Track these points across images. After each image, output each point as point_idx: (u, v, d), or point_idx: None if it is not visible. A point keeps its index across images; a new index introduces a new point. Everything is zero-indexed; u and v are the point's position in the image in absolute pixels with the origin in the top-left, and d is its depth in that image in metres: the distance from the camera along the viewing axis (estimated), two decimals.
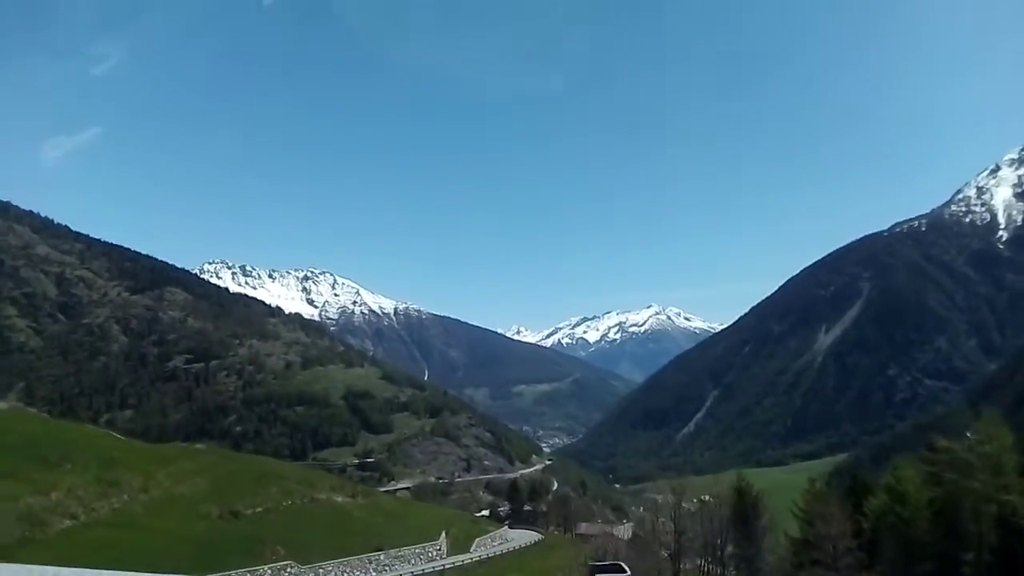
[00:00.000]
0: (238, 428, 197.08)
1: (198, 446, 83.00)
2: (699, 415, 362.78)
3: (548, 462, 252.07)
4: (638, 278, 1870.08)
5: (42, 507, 35.34)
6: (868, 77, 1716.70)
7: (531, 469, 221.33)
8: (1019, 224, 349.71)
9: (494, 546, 65.29)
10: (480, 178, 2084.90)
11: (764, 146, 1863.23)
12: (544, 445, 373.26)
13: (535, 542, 78.88)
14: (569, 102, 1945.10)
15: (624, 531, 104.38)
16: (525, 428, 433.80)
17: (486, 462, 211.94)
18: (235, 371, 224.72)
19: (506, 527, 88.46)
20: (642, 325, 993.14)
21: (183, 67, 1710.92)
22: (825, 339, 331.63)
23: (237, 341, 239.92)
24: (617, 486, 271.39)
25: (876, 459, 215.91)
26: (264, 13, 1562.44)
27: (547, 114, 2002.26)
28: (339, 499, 60.97)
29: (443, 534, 55.78)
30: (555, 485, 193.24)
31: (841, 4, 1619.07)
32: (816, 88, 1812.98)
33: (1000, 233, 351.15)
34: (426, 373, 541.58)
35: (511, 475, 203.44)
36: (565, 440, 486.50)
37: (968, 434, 35.79)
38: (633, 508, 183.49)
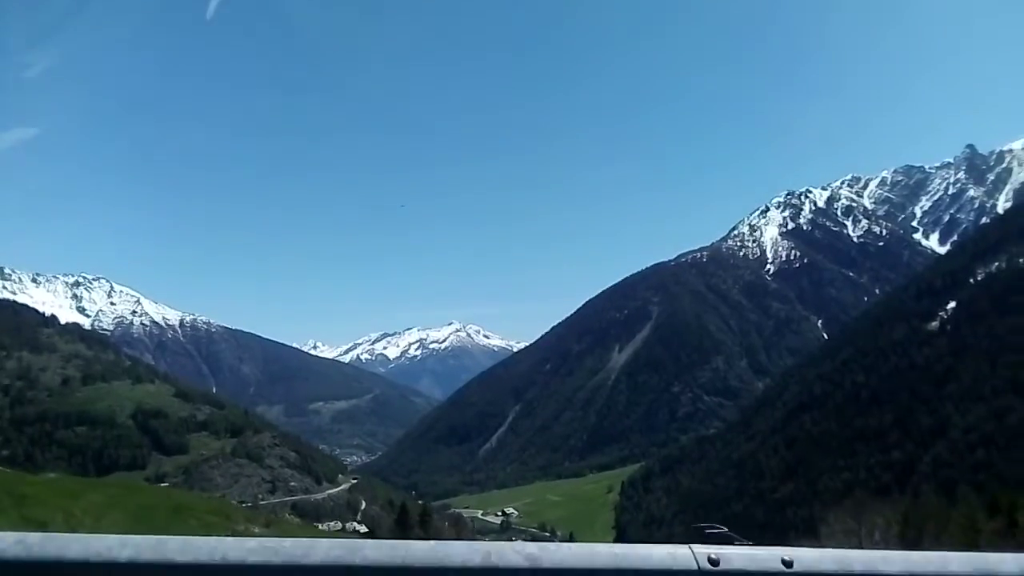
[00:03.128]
0: (5, 451, 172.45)
1: (51, 475, 73.15)
2: (501, 430, 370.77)
3: (355, 480, 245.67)
4: (439, 295, 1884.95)
5: None
6: (658, 120, 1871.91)
7: (338, 489, 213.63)
8: (783, 259, 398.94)
9: None
10: (274, 188, 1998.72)
11: (556, 169, 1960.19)
12: (344, 463, 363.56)
13: None
14: (357, 107, 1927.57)
15: None
16: (322, 446, 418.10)
17: (292, 483, 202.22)
18: (1, 387, 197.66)
19: None
20: (443, 342, 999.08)
21: None
22: (619, 358, 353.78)
23: (4, 353, 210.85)
24: (421, 502, 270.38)
25: (664, 469, 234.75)
26: None
27: (345, 121, 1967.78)
28: (256, 530, 57.05)
29: None
30: (363, 504, 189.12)
31: (635, 45, 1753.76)
32: (614, 121, 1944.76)
33: (768, 267, 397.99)
34: (214, 389, 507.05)
35: (318, 496, 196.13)
36: (364, 458, 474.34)
37: None
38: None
